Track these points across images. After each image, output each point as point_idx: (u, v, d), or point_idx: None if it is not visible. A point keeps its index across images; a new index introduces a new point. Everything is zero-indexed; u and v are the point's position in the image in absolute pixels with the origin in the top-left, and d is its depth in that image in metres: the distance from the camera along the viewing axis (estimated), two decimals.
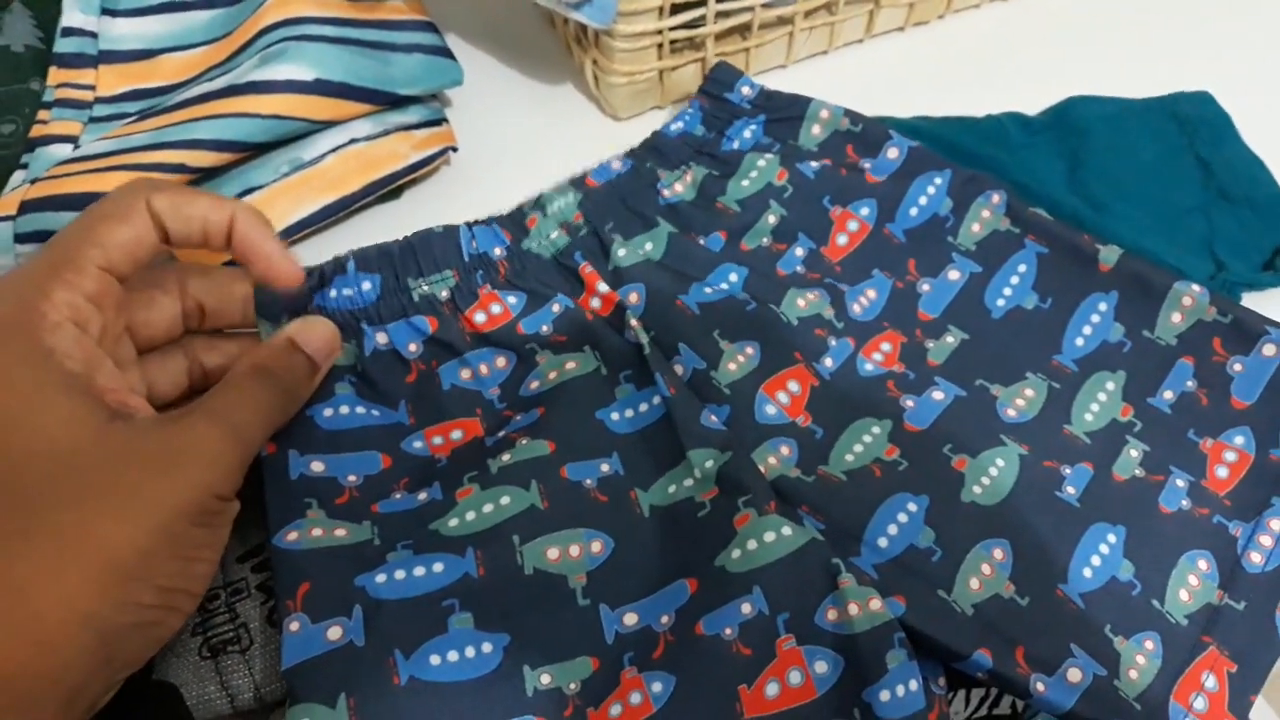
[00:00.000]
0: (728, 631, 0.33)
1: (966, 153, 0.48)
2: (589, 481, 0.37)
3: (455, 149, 0.49)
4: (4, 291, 0.31)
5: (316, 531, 0.34)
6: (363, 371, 0.39)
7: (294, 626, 0.32)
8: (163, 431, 0.30)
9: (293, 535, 0.34)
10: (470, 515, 0.36)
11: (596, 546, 0.35)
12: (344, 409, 0.38)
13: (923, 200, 0.44)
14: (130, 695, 0.31)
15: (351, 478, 0.37)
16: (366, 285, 0.39)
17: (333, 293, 0.39)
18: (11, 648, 0.26)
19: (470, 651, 0.33)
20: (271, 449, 0.36)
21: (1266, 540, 0.36)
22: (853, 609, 0.33)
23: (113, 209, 0.33)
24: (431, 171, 0.49)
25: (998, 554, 0.35)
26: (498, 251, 0.42)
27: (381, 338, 0.39)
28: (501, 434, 0.38)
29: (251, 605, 0.35)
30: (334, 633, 0.33)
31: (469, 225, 0.42)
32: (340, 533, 0.35)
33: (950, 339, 0.41)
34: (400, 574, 0.34)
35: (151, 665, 0.32)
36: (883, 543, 0.35)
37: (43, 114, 0.48)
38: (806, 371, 0.39)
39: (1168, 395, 0.40)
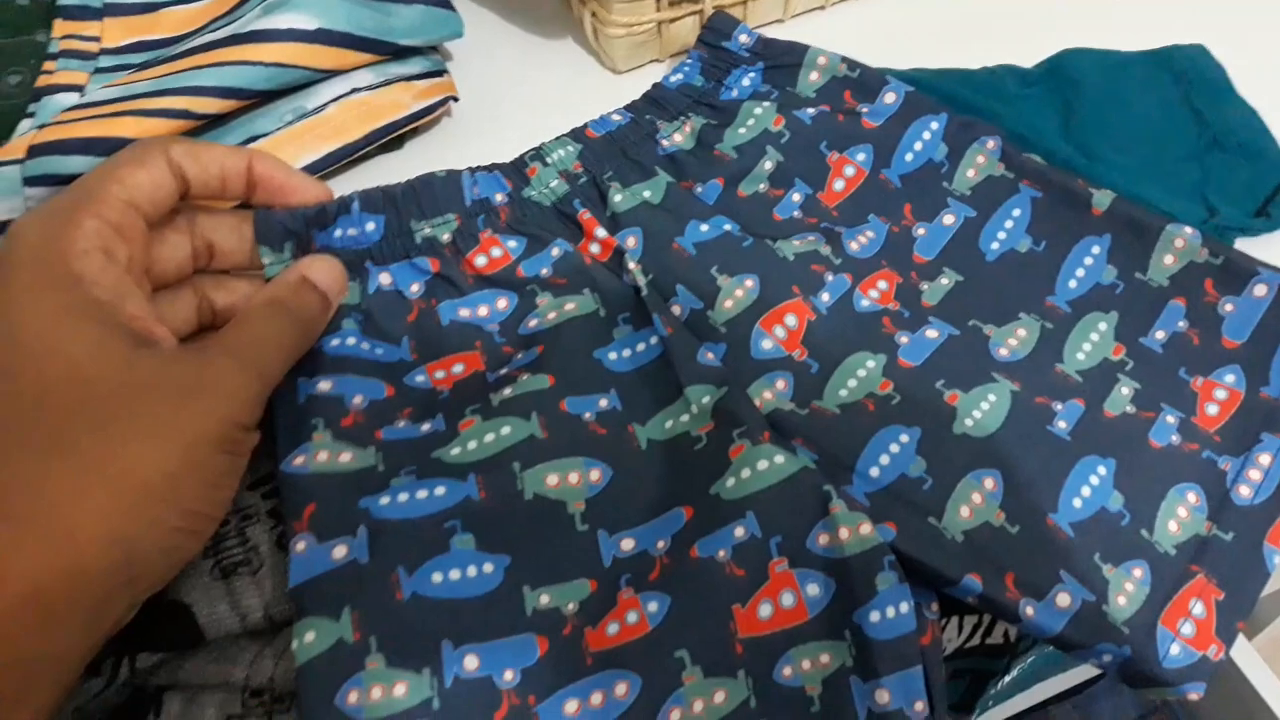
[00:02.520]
0: (721, 554, 0.34)
1: (963, 104, 0.48)
2: (587, 415, 0.37)
3: (456, 99, 0.49)
4: (32, 223, 0.32)
5: (322, 456, 0.35)
6: (366, 310, 0.40)
7: (300, 546, 0.33)
8: (188, 362, 0.31)
9: (299, 460, 0.35)
10: (472, 444, 0.36)
11: (595, 475, 0.36)
12: (350, 341, 0.39)
13: (918, 146, 0.44)
14: (145, 614, 0.32)
15: (357, 399, 0.37)
16: (370, 225, 0.40)
17: (337, 232, 0.40)
18: (43, 563, 0.27)
19: (472, 570, 0.34)
20: None
21: (1255, 474, 0.37)
22: (843, 533, 0.33)
23: (132, 155, 0.35)
24: (433, 122, 0.50)
25: (989, 483, 0.36)
26: (499, 198, 0.42)
27: (385, 278, 0.40)
28: (503, 371, 0.39)
29: (261, 530, 0.35)
30: (339, 552, 0.33)
31: (471, 171, 0.42)
32: (345, 458, 0.35)
33: (945, 281, 0.42)
34: (404, 497, 0.35)
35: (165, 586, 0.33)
36: (874, 472, 0.36)
37: (48, 65, 0.48)
38: (804, 305, 0.40)
39: (1159, 335, 0.40)
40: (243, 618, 0.33)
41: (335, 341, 0.38)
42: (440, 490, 0.35)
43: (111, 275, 0.32)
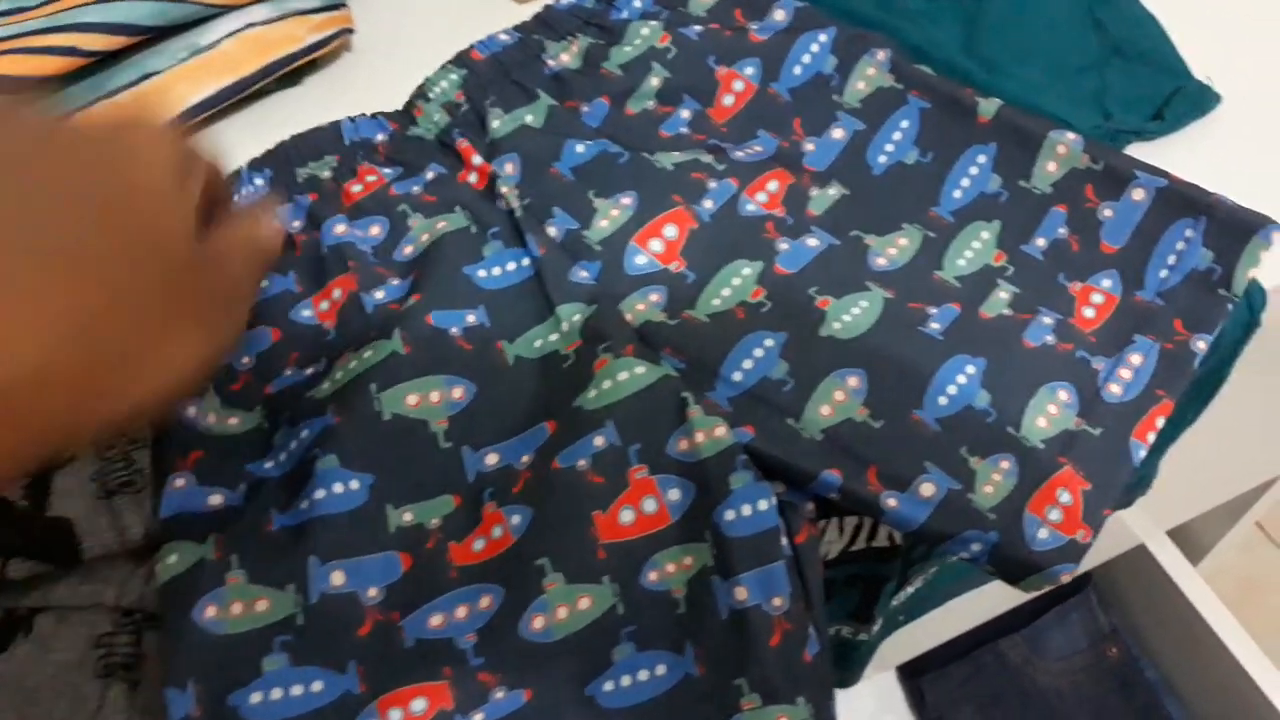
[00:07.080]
0: (581, 464, 0.34)
1: (864, 20, 0.48)
2: (454, 330, 0.37)
3: (352, 31, 0.49)
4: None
5: (211, 419, 0.36)
6: None
7: (179, 483, 0.34)
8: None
9: (192, 411, 0.36)
10: (339, 375, 0.37)
11: (458, 392, 0.36)
12: None
13: (806, 58, 0.44)
14: (24, 528, 0.32)
15: (245, 360, 0.38)
16: (259, 181, 0.41)
17: (235, 196, 0.41)
18: None
19: (338, 487, 0.34)
20: None
21: (1126, 373, 0.37)
22: (699, 437, 0.34)
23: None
24: (330, 56, 0.50)
25: (852, 382, 0.36)
26: (380, 137, 0.43)
27: None
28: (378, 295, 0.39)
29: (147, 455, 0.36)
30: (216, 500, 0.35)
31: (352, 119, 0.43)
32: (233, 422, 0.36)
33: (832, 192, 0.42)
34: (283, 456, 0.36)
35: (48, 502, 0.34)
36: (737, 376, 0.36)
37: None
38: (686, 214, 0.40)
39: (1040, 242, 0.40)
40: (121, 534, 0.34)
41: None
42: (305, 433, 0.36)
43: None
